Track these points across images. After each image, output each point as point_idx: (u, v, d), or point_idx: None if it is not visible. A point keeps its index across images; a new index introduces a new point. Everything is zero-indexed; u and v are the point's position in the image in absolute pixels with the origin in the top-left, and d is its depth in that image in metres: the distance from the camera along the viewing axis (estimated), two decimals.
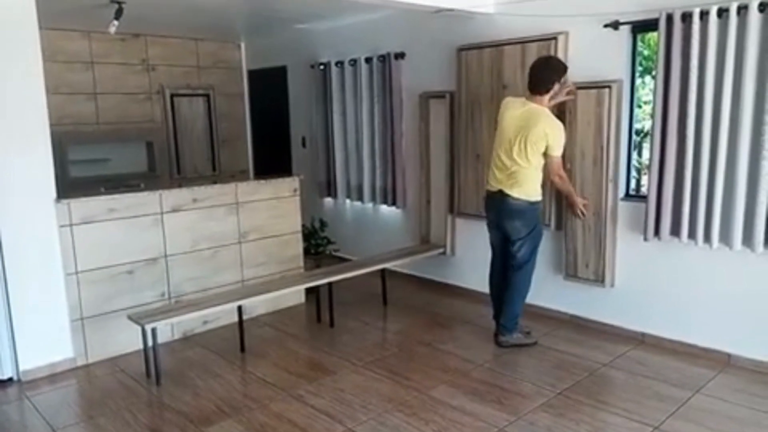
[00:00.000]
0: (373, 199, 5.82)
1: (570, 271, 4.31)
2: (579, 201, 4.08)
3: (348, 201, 6.17)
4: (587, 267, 4.21)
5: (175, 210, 4.26)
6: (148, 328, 3.61)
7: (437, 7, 4.36)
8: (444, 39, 4.95)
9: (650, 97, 3.92)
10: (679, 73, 3.57)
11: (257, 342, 4.25)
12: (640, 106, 4.31)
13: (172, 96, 6.70)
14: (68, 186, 5.13)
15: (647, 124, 4.28)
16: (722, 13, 3.38)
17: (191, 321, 4.23)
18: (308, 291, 4.88)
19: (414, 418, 3.15)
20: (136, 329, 3.66)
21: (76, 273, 3.86)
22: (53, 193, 3.74)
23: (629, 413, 3.14)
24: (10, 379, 3.70)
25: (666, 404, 3.23)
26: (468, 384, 3.53)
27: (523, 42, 4.35)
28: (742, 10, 3.32)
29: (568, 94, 3.98)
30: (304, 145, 6.74)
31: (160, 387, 3.61)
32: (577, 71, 4.08)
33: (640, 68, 4.11)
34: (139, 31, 6.27)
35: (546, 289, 4.48)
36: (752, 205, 3.44)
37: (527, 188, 3.82)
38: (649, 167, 3.80)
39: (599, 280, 4.17)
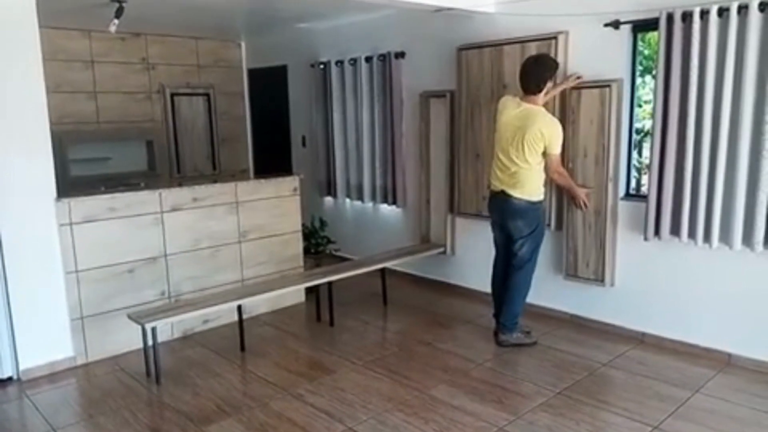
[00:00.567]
0: (373, 198, 5.83)
1: (570, 270, 4.31)
2: (580, 193, 4.06)
3: (348, 200, 6.17)
4: (587, 266, 4.21)
5: (175, 209, 4.26)
6: (148, 327, 3.60)
7: (437, 6, 4.36)
8: (444, 38, 4.95)
9: (650, 97, 3.92)
10: (679, 72, 3.57)
11: (257, 341, 4.25)
12: (640, 106, 4.31)
13: (172, 95, 6.70)
14: (68, 185, 5.13)
15: (647, 124, 4.28)
16: (723, 12, 3.38)
17: (191, 320, 4.23)
18: (308, 290, 4.88)
19: (414, 417, 3.15)
20: (136, 328, 3.66)
21: (76, 272, 3.86)
22: (53, 192, 3.74)
23: (629, 413, 3.14)
24: (10, 378, 3.70)
25: (666, 404, 3.22)
26: (468, 383, 3.53)
27: (523, 41, 4.35)
28: (743, 9, 3.31)
29: (577, 79, 4.02)
30: (304, 144, 6.74)
31: (160, 386, 3.61)
32: (577, 70, 4.09)
33: (640, 68, 4.11)
34: (139, 30, 6.26)
35: (546, 289, 4.48)
36: (752, 205, 3.44)
37: (529, 188, 3.82)
38: (649, 167, 3.79)
39: (599, 279, 4.17)
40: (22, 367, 3.71)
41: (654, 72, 3.79)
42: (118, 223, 4.01)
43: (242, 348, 4.11)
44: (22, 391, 3.59)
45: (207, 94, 7.00)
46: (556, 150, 3.78)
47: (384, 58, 5.45)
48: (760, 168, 3.37)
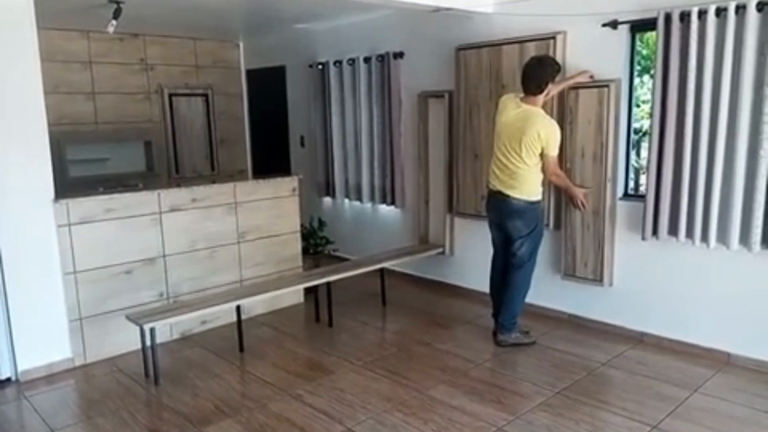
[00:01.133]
0: (372, 198, 5.83)
1: (569, 270, 4.31)
2: (578, 193, 4.06)
3: (347, 200, 6.17)
4: (586, 266, 4.21)
5: (173, 210, 4.26)
6: (147, 328, 3.60)
7: (436, 6, 4.36)
8: (442, 39, 4.95)
9: (648, 97, 3.92)
10: (677, 72, 3.58)
11: (256, 342, 4.25)
12: (638, 106, 4.31)
13: (170, 96, 6.70)
14: (67, 186, 5.12)
15: (645, 124, 4.29)
16: (720, 12, 3.39)
17: (190, 321, 4.23)
18: (307, 291, 4.88)
19: (413, 417, 3.14)
20: (134, 329, 3.65)
21: (74, 273, 3.86)
22: (51, 193, 3.73)
23: (628, 412, 3.14)
24: (9, 379, 3.70)
25: (665, 403, 3.23)
26: (467, 383, 3.53)
27: (521, 42, 4.35)
28: (741, 9, 3.32)
29: (590, 77, 4.01)
30: (302, 144, 6.74)
31: (158, 387, 3.61)
32: (575, 71, 4.09)
33: (638, 67, 4.11)
34: (137, 30, 6.26)
35: (545, 289, 4.48)
36: (749, 205, 3.44)
37: (527, 188, 3.83)
38: (647, 167, 3.80)
39: (598, 279, 4.17)
40: (20, 369, 3.70)
41: (652, 72, 3.79)
42: (117, 224, 4.00)
43: (241, 349, 4.10)
44: (20, 392, 3.58)
45: (205, 95, 7.00)
46: (554, 152, 3.78)
47: (382, 58, 5.45)
48: (757, 168, 3.37)
